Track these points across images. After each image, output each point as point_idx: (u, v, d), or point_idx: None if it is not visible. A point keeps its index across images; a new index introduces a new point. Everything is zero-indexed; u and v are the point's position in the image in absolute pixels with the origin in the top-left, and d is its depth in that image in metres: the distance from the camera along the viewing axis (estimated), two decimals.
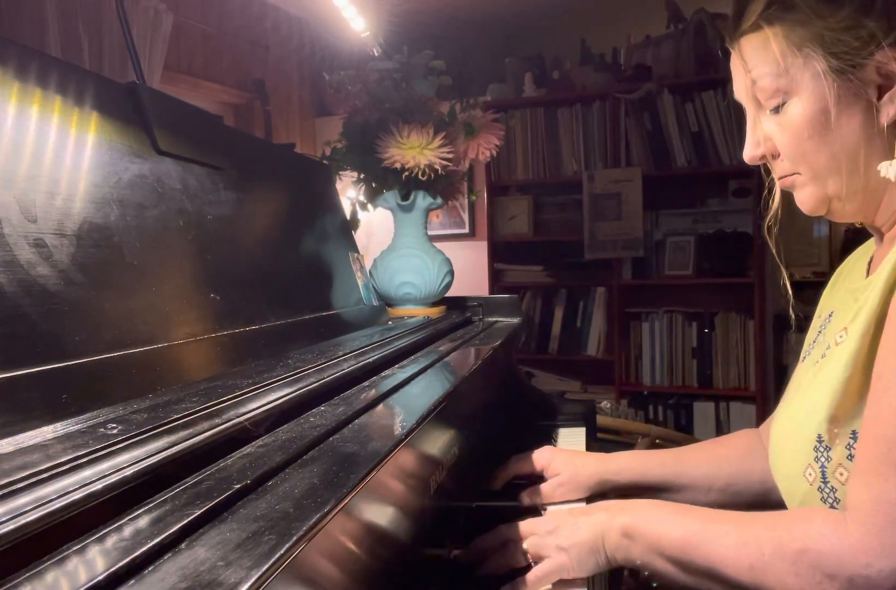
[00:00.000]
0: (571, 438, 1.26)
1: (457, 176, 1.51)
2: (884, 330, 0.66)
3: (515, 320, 1.54)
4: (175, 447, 0.50)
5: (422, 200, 1.44)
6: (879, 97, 0.69)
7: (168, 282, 0.74)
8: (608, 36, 3.45)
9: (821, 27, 0.69)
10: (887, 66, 0.68)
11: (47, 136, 0.64)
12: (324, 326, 1.05)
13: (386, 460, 0.57)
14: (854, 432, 0.68)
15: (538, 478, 0.97)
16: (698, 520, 0.71)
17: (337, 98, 1.44)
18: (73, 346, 0.58)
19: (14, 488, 0.40)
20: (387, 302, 1.44)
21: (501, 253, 3.51)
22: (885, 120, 0.69)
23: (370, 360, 0.87)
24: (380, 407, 0.72)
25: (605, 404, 2.84)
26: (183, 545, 0.40)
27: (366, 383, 0.81)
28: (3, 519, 0.37)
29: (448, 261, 1.50)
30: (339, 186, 1.42)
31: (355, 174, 1.46)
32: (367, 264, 1.44)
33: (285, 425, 0.62)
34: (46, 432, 0.50)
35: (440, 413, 0.75)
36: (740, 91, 0.78)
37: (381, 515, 0.59)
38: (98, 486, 0.43)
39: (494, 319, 1.56)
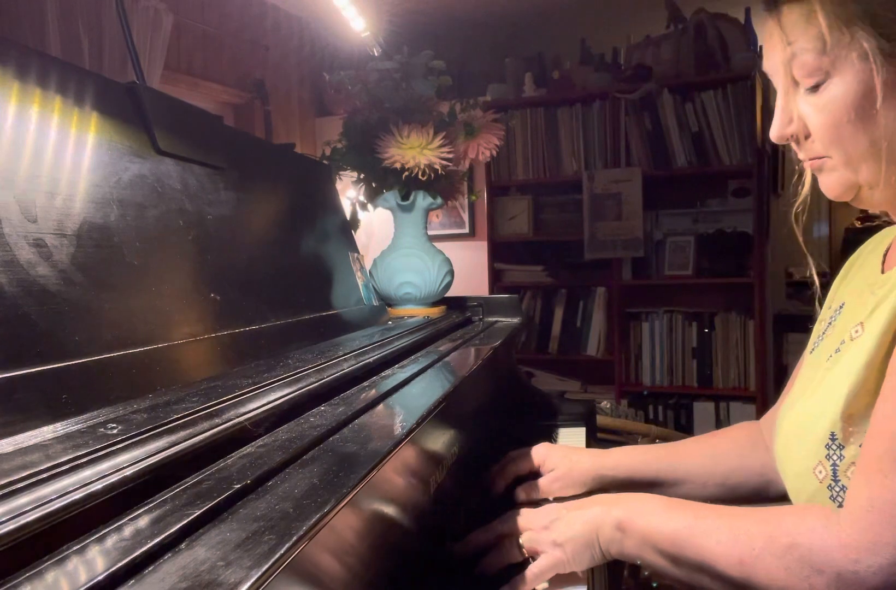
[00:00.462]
0: (571, 438, 1.27)
1: (457, 176, 1.51)
2: None
3: (515, 320, 1.54)
4: (175, 447, 0.50)
5: (422, 200, 1.44)
6: None
7: (168, 282, 0.74)
8: (608, 36, 3.45)
9: (874, 4, 0.65)
10: None
11: (47, 137, 0.64)
12: (324, 326, 1.05)
13: (386, 461, 0.57)
14: None
15: (537, 477, 0.97)
16: (691, 514, 0.71)
17: (337, 98, 1.44)
18: (73, 346, 0.58)
19: (14, 488, 0.40)
20: (387, 302, 1.44)
21: (501, 253, 3.51)
22: None
23: (370, 360, 0.87)
24: (380, 407, 0.72)
25: (605, 404, 2.84)
26: (183, 545, 0.40)
27: (366, 383, 0.81)
28: (3, 519, 0.37)
29: (448, 261, 1.50)
30: (339, 186, 1.42)
31: (355, 174, 1.46)
32: (367, 264, 1.44)
33: (285, 425, 0.62)
34: (46, 432, 0.50)
35: (440, 413, 0.75)
36: (773, 65, 0.73)
37: (380, 515, 0.59)
38: (98, 486, 0.43)
39: (494, 319, 1.56)
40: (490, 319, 1.56)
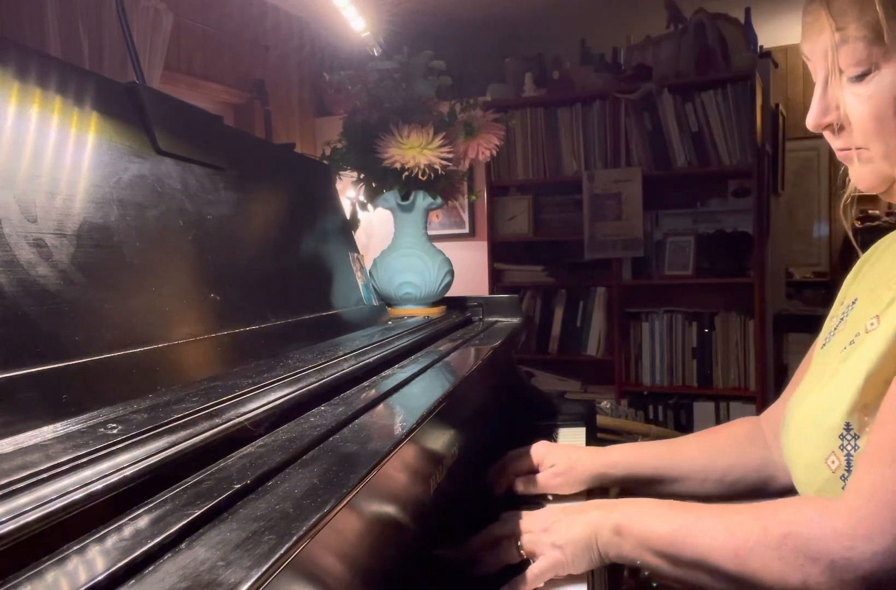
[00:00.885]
0: (571, 438, 1.27)
1: (457, 176, 1.51)
2: None
3: (515, 320, 1.54)
4: (175, 447, 0.50)
5: (422, 200, 1.44)
6: None
7: (168, 282, 0.74)
8: (608, 36, 3.45)
9: None
10: None
11: (47, 137, 0.64)
12: (324, 326, 1.05)
13: (386, 460, 0.57)
14: None
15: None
16: (687, 515, 0.71)
17: (337, 98, 1.44)
18: (73, 346, 0.58)
19: (14, 488, 0.40)
20: (387, 302, 1.44)
21: (501, 253, 3.51)
22: None
23: (370, 360, 0.87)
24: (380, 407, 0.72)
25: (605, 404, 2.84)
26: (183, 545, 0.40)
27: (366, 383, 0.81)
28: (3, 519, 0.37)
29: (448, 261, 1.50)
30: (339, 186, 1.42)
31: (355, 174, 1.46)
32: (367, 264, 1.44)
33: (285, 425, 0.62)
34: (46, 432, 0.50)
35: (440, 413, 0.75)
36: (815, 50, 0.70)
37: (380, 515, 0.59)
38: (98, 486, 0.43)
39: (494, 319, 1.56)
40: (490, 319, 1.56)
